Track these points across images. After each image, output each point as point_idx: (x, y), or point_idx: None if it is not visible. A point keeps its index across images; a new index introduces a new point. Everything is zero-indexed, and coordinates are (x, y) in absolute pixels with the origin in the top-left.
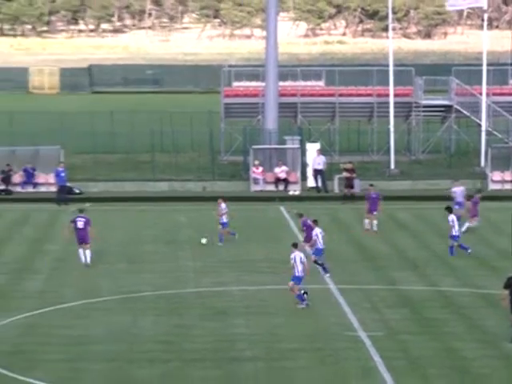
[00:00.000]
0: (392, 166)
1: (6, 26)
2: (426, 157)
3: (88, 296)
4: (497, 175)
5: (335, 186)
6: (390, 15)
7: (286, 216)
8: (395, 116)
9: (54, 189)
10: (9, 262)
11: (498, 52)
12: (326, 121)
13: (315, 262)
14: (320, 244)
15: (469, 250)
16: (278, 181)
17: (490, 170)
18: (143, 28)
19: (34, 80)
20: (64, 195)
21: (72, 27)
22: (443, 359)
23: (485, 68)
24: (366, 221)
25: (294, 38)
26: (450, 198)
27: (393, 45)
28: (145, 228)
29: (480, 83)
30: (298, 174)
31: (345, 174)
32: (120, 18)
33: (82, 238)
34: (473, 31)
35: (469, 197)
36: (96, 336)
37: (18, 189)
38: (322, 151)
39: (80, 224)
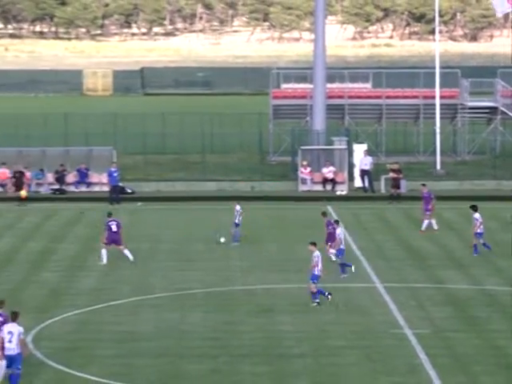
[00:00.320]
0: (438, 167)
1: (61, 30)
2: (471, 158)
3: (139, 293)
4: None
5: (382, 187)
6: (437, 18)
7: (334, 215)
8: (441, 117)
9: (106, 188)
10: (62, 260)
11: None
12: (372, 122)
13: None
14: (342, 245)
15: (490, 249)
16: (325, 181)
17: None
18: (194, 31)
19: (88, 82)
20: (116, 195)
21: (125, 30)
22: (488, 357)
23: None
24: (425, 221)
25: (341, 40)
26: None
27: (439, 47)
28: (196, 227)
29: None
30: (345, 174)
31: (391, 175)
32: (172, 22)
33: (115, 240)
34: None
35: None
36: (147, 332)
37: (72, 188)
38: (368, 152)
39: (114, 227)
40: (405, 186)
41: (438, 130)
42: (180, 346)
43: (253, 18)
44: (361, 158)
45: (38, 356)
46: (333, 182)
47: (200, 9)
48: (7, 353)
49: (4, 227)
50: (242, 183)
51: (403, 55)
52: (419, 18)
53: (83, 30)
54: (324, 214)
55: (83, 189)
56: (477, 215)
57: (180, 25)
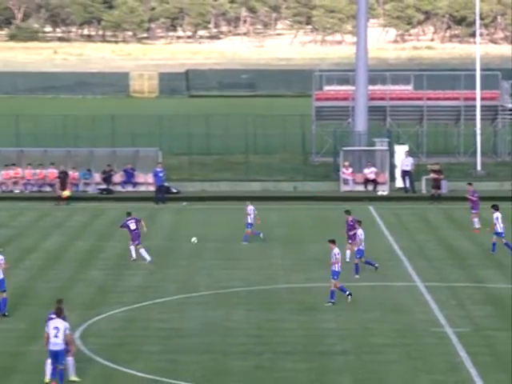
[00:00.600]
0: (478, 168)
1: (109, 33)
2: (511, 159)
3: (185, 291)
4: None
5: (423, 187)
6: (478, 21)
7: (375, 215)
8: (482, 119)
9: (152, 188)
10: (109, 258)
11: None
12: (414, 123)
13: (366, 262)
14: (362, 245)
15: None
16: (367, 181)
17: None
18: (238, 34)
19: (135, 84)
20: (162, 194)
21: (171, 34)
22: None
23: None
24: (475, 219)
25: (383, 43)
26: None
27: (480, 50)
28: (239, 226)
29: None
30: (387, 174)
31: (432, 175)
32: (216, 25)
33: (134, 238)
34: None
35: None
36: (192, 329)
37: (119, 188)
38: (410, 153)
39: (132, 225)
40: (445, 187)
41: (478, 132)
42: (224, 342)
43: (296, 21)
44: (402, 158)
45: (86, 352)
46: (374, 182)
47: (244, 12)
48: (53, 348)
49: (53, 226)
50: (285, 183)
51: (444, 58)
52: (460, 21)
53: (130, 33)
54: (348, 212)
55: (129, 189)
56: (496, 214)
57: (224, 28)
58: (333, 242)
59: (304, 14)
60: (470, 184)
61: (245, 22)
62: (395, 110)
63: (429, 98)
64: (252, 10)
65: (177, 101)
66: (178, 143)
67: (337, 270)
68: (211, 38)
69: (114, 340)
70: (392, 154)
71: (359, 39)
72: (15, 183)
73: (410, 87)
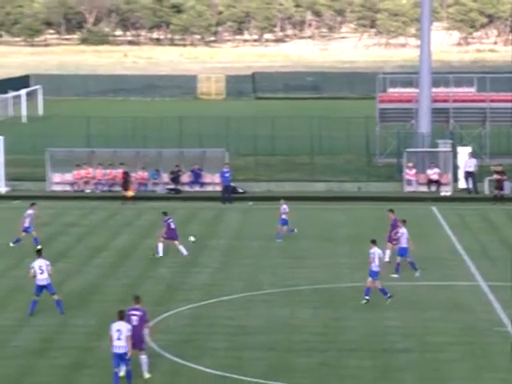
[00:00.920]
0: None
1: (177, 37)
2: None
3: (250, 289)
4: None
5: (485, 188)
6: None
7: (438, 216)
8: None
9: (219, 188)
10: (177, 257)
11: None
12: (477, 125)
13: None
14: (404, 243)
15: None
16: (430, 182)
17: None
18: (303, 38)
19: (202, 86)
20: (228, 194)
21: (237, 37)
22: None
23: None
24: None
25: (446, 46)
26: None
27: None
28: (304, 226)
29: None
30: (450, 175)
31: (495, 176)
32: (282, 29)
33: (173, 236)
34: None
35: None
36: (257, 326)
37: (187, 188)
38: (473, 154)
39: (172, 225)
40: (508, 188)
41: None
42: (289, 340)
43: (360, 24)
44: (465, 160)
45: (155, 348)
46: (437, 183)
47: (309, 16)
48: (116, 351)
49: (122, 225)
50: (349, 184)
51: (507, 60)
52: None
53: (198, 36)
54: (391, 211)
55: (197, 188)
56: None
57: (290, 31)
58: (373, 242)
59: (368, 17)
60: None
61: (310, 25)
62: (458, 112)
63: (492, 100)
64: (317, 14)
65: (243, 103)
66: (245, 144)
67: (375, 269)
68: (277, 41)
69: (181, 336)
70: (455, 155)
71: (423, 42)
72: (86, 183)
73: (472, 89)
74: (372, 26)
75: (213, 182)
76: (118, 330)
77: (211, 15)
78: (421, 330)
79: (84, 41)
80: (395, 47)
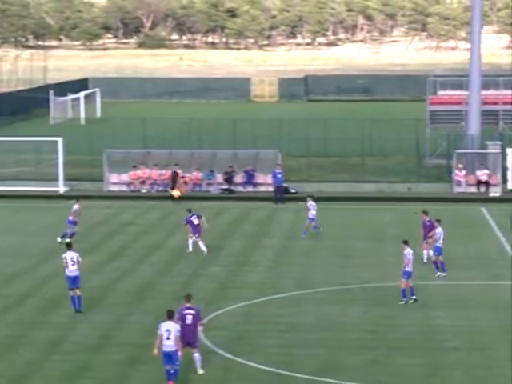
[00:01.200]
0: None
1: (231, 40)
2: None
3: (302, 287)
4: None
5: None
6: None
7: (487, 216)
8: None
9: (271, 189)
10: (229, 255)
11: None
12: None
13: (439, 261)
14: (440, 243)
15: None
16: (479, 183)
17: None
18: (355, 41)
19: (256, 89)
20: (281, 195)
21: (290, 41)
22: None
23: None
24: None
25: (496, 49)
26: None
27: None
28: (355, 225)
29: None
30: (499, 176)
31: None
32: (334, 32)
33: (197, 232)
34: None
35: None
36: (308, 324)
37: (240, 188)
38: None
39: (195, 221)
40: None
41: None
42: (340, 337)
43: (411, 28)
44: None
45: (208, 345)
46: (487, 184)
47: (361, 20)
48: (166, 349)
49: (176, 224)
50: (399, 184)
51: None
52: None
53: (252, 40)
54: (425, 212)
55: (250, 189)
56: None
57: (342, 35)
58: (406, 242)
59: (419, 21)
60: None
61: (362, 29)
62: (508, 114)
63: None
64: (369, 18)
65: (296, 105)
66: (297, 146)
67: (408, 270)
68: (329, 44)
69: (234, 333)
70: (504, 156)
71: (473, 45)
72: (142, 183)
73: None
74: (423, 30)
75: (265, 182)
76: (168, 330)
77: (265, 19)
78: (470, 329)
79: (141, 45)
80: (445, 50)
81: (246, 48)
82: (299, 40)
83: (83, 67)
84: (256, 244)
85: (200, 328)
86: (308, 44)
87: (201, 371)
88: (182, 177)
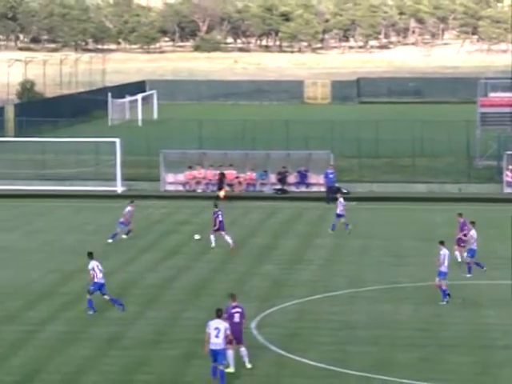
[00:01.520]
0: None
1: (285, 44)
2: None
3: (354, 285)
4: None
5: None
6: None
7: None
8: None
9: (323, 189)
10: (283, 254)
11: None
12: None
13: (473, 263)
14: (474, 245)
15: None
16: None
17: None
18: (407, 44)
19: (309, 91)
20: (332, 195)
21: (343, 44)
22: None
23: None
24: None
25: None
26: None
27: None
28: (406, 225)
29: None
30: None
31: None
32: (386, 36)
33: (222, 228)
34: None
35: None
36: (360, 322)
37: (293, 188)
38: None
39: (220, 217)
40: None
41: None
42: (391, 335)
43: (463, 31)
44: None
45: (261, 341)
46: None
47: (413, 23)
48: (214, 347)
49: (231, 223)
50: (450, 185)
51: None
52: None
53: (305, 43)
54: (460, 215)
55: (303, 189)
56: None
57: (394, 38)
58: (442, 243)
59: (471, 24)
60: None
61: (413, 32)
62: None
63: None
64: (420, 21)
65: (348, 107)
66: (349, 146)
67: (443, 270)
68: (381, 47)
69: (287, 330)
70: None
71: None
72: (197, 183)
73: None
74: (474, 33)
75: (318, 182)
76: (216, 328)
77: (318, 23)
78: None
79: (197, 48)
80: (497, 53)
81: (300, 51)
82: (352, 43)
83: (141, 70)
84: (308, 243)
85: (244, 325)
86: (360, 47)
87: (249, 365)
88: (237, 177)
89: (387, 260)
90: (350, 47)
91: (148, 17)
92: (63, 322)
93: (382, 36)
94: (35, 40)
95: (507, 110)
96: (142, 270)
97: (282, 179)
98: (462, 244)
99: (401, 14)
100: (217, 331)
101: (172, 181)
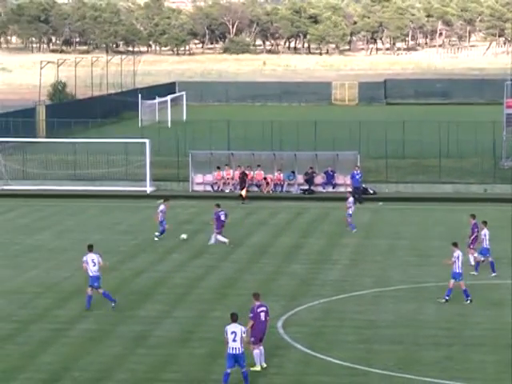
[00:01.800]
0: None
1: (313, 46)
2: None
3: (380, 285)
4: None
5: None
6: None
7: None
8: None
9: (350, 189)
10: (309, 254)
11: None
12: None
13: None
14: (486, 244)
15: None
16: None
17: None
18: (434, 46)
19: (336, 93)
20: (359, 195)
21: (370, 46)
22: None
23: None
24: None
25: None
26: None
27: None
28: (432, 225)
29: None
30: None
31: None
32: (413, 38)
33: (219, 227)
34: None
35: None
36: (386, 321)
37: (320, 189)
38: None
39: (222, 217)
40: None
41: None
42: (416, 334)
43: (489, 33)
44: None
45: (287, 340)
46: None
47: (440, 25)
48: (232, 352)
49: (258, 223)
50: (476, 186)
51: None
52: None
53: (333, 45)
54: (473, 216)
55: (330, 189)
56: None
57: (421, 40)
58: (455, 244)
59: (497, 26)
60: None
61: (440, 34)
62: None
63: None
64: (448, 23)
65: (375, 108)
66: (376, 147)
67: (456, 271)
68: (408, 49)
69: (313, 329)
70: None
71: None
72: (225, 183)
73: None
74: (501, 35)
75: (345, 183)
76: (233, 332)
77: (346, 25)
78: None
79: (226, 50)
80: None
81: (328, 53)
82: (379, 45)
83: (170, 72)
84: (335, 243)
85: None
86: (388, 49)
87: (264, 365)
88: (264, 178)
89: (412, 260)
90: (378, 49)
91: (178, 19)
92: (92, 321)
93: (409, 38)
94: (67, 42)
95: None
96: (169, 270)
97: (309, 180)
98: (472, 246)
99: (428, 16)
100: (234, 335)
101: (200, 181)
